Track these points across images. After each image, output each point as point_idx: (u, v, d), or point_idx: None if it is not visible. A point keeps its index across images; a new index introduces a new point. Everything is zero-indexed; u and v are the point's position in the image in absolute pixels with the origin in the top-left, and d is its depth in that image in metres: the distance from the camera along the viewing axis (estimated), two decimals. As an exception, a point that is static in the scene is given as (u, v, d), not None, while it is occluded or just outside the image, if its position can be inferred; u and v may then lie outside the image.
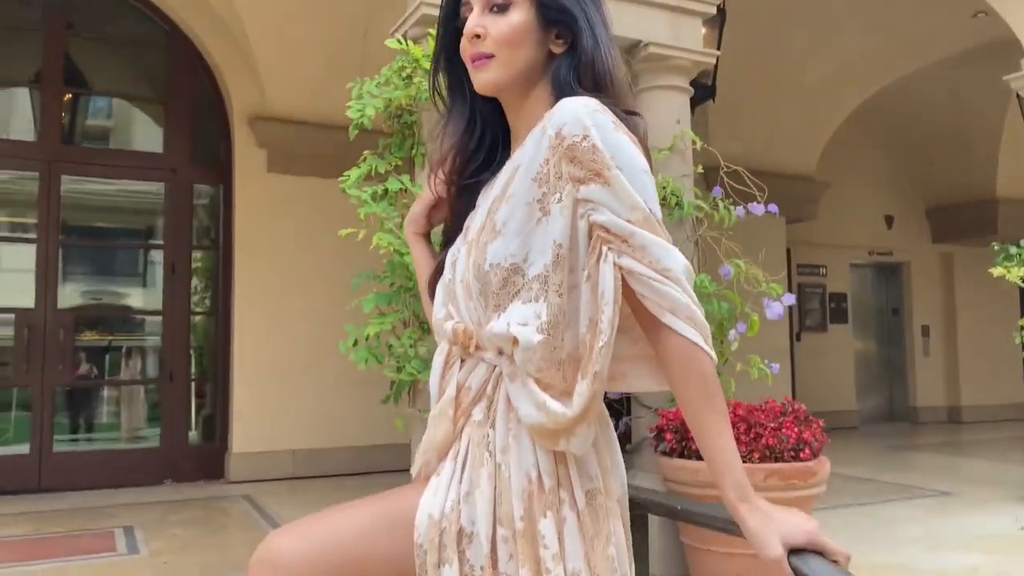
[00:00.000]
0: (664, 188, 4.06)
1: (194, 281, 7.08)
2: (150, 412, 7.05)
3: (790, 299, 4.08)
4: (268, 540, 1.21)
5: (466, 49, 1.28)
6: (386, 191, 3.51)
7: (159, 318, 6.92)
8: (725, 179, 4.25)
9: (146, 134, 7.23)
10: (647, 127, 1.28)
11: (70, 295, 6.89)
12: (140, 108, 7.30)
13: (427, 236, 1.49)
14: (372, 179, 3.61)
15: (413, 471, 1.29)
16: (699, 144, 4.28)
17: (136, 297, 7.46)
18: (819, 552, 1.09)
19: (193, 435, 7.04)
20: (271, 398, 6.66)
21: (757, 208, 4.09)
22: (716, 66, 6.91)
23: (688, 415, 1.18)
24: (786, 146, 9.24)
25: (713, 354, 1.18)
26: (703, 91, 6.84)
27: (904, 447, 9.17)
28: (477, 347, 1.23)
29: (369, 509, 1.25)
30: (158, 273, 6.99)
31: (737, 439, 3.47)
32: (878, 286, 11.98)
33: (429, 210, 1.47)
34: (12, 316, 6.44)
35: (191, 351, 7.02)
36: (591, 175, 1.15)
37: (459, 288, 1.27)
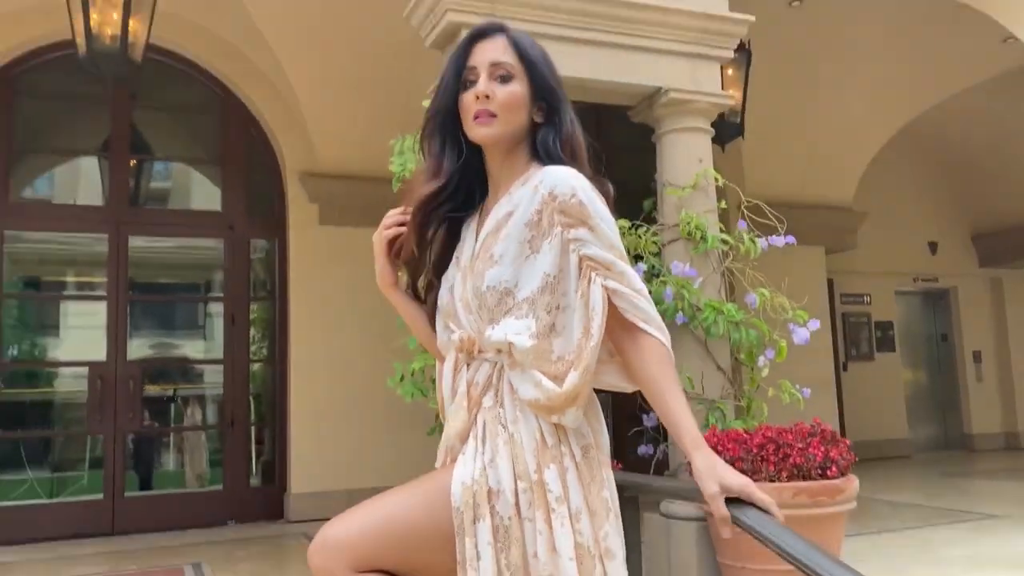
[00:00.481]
0: (688, 223, 4.29)
1: (252, 331, 7.47)
2: (213, 457, 7.40)
3: (815, 324, 4.24)
4: (322, 530, 1.48)
5: (471, 107, 1.57)
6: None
7: (220, 367, 7.30)
8: (746, 212, 4.44)
9: (205, 193, 7.71)
10: (611, 188, 1.62)
11: (138, 348, 7.31)
12: (199, 169, 7.79)
13: (397, 285, 1.74)
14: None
15: (438, 464, 1.56)
16: (721, 181, 4.50)
17: (198, 348, 7.87)
18: (751, 503, 1.36)
19: (254, 478, 7.36)
20: (327, 440, 6.95)
21: (778, 240, 4.28)
22: (744, 104, 7.16)
23: (658, 393, 1.50)
24: (822, 177, 9.35)
25: (669, 346, 1.54)
26: (732, 129, 7.08)
27: (957, 474, 9.07)
28: (479, 351, 1.53)
29: (408, 490, 1.52)
30: (218, 324, 7.40)
31: (766, 459, 3.65)
32: (926, 313, 11.90)
33: (389, 258, 1.69)
34: (86, 369, 6.88)
35: (250, 398, 7.37)
36: (579, 222, 1.50)
37: (459, 306, 1.57)
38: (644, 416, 4.47)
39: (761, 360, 4.27)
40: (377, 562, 1.43)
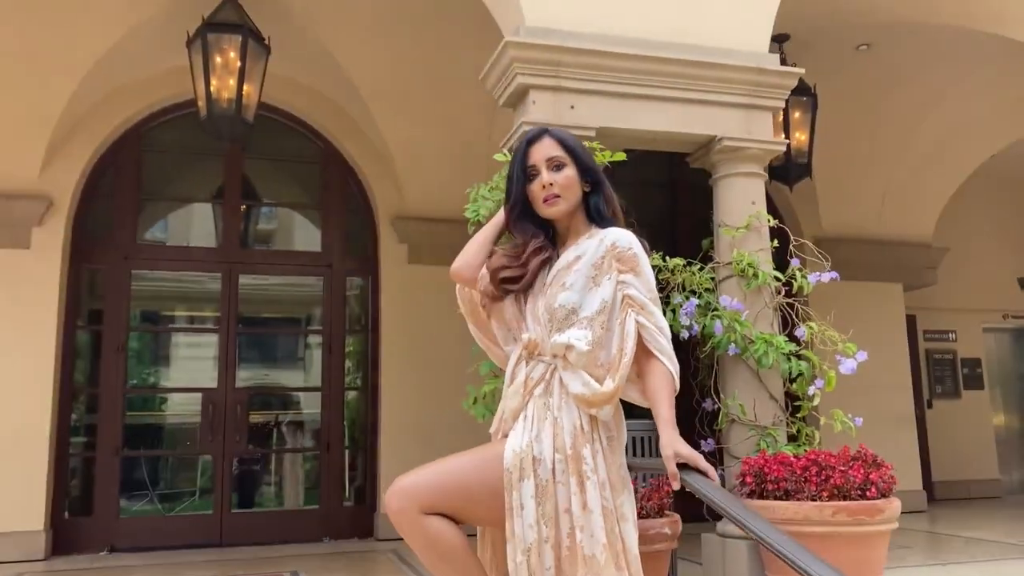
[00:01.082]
0: (740, 261, 4.62)
1: (347, 362, 8.10)
2: (309, 478, 8.02)
3: (862, 356, 4.48)
4: (397, 480, 1.97)
5: (539, 193, 2.11)
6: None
7: (317, 395, 7.94)
8: (814, 248, 4.73)
9: (306, 235, 8.44)
10: (646, 242, 2.17)
11: (245, 376, 8.04)
12: (302, 214, 8.54)
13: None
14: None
15: (492, 429, 2.06)
16: (773, 222, 4.81)
17: (298, 377, 8.55)
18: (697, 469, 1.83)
19: (347, 499, 7.93)
20: (413, 462, 7.42)
21: (826, 276, 4.56)
22: (811, 145, 7.42)
23: (656, 400, 1.99)
24: (899, 213, 9.41)
25: (675, 373, 1.98)
26: (799, 170, 7.36)
27: (1046, 515, 8.88)
28: (539, 353, 2.04)
29: (466, 455, 2.05)
30: (316, 355, 8.07)
31: (808, 480, 3.93)
32: (1017, 350, 11.65)
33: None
34: (200, 395, 7.63)
35: (344, 423, 7.98)
36: (629, 269, 2.03)
37: (532, 320, 2.09)
38: (702, 442, 4.81)
39: (811, 389, 4.53)
40: (438, 508, 1.91)
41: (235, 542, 7.26)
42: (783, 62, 5.53)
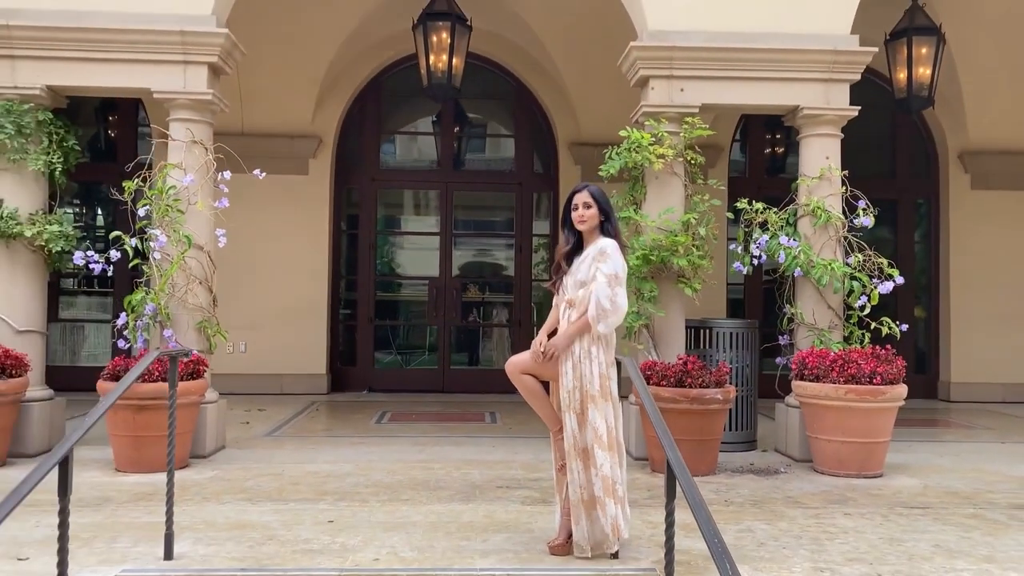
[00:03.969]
0: (808, 205, 6.12)
1: (535, 256, 10.28)
2: (506, 344, 10.45)
3: (900, 280, 5.93)
4: (509, 360, 3.94)
5: (576, 218, 3.88)
6: (621, 218, 6.12)
7: (511, 283, 10.24)
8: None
9: (502, 156, 10.55)
10: (627, 245, 3.93)
11: (459, 267, 10.47)
12: (499, 140, 10.62)
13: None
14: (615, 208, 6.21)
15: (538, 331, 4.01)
16: (841, 173, 6.19)
17: (499, 268, 10.88)
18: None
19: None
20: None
21: (867, 220, 5.96)
22: (934, 78, 8.29)
23: (574, 321, 3.72)
24: (1052, 124, 9.89)
25: (595, 324, 3.70)
26: (920, 101, 8.32)
27: None
28: (571, 305, 3.87)
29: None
30: (511, 252, 10.31)
31: (833, 369, 5.55)
32: None
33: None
34: (427, 282, 10.20)
35: (532, 304, 10.25)
36: (603, 259, 3.76)
37: (569, 287, 3.89)
38: (780, 337, 6.50)
39: (860, 302, 6.03)
40: (529, 372, 3.87)
41: (453, 390, 9.91)
42: None
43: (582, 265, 3.80)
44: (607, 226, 3.84)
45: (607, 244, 3.74)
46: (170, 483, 3.59)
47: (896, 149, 10.42)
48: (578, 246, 3.89)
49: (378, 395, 9.70)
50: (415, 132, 10.58)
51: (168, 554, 3.53)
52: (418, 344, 10.66)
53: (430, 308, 10.21)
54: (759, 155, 10.46)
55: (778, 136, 10.51)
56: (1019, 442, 7.24)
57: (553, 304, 4.01)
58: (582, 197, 3.84)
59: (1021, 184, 10.00)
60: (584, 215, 3.80)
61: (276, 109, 9.44)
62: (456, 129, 10.37)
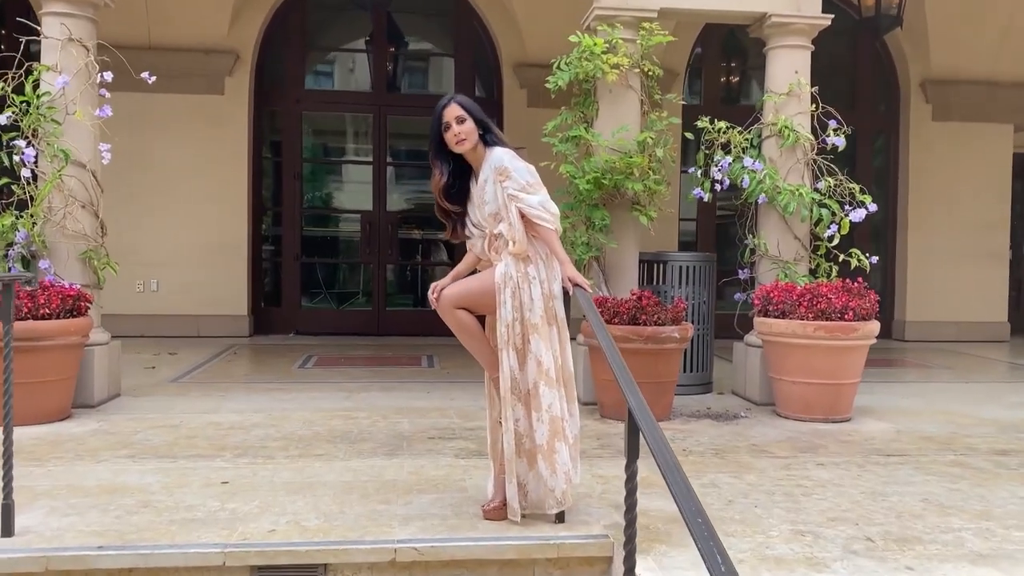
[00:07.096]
0: (775, 125, 5.53)
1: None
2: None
3: (873, 208, 5.41)
4: (443, 292, 3.28)
5: (451, 138, 3.14)
6: (570, 137, 5.44)
7: (452, 217, 9.50)
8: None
9: (441, 79, 9.71)
10: (525, 150, 3.22)
11: (395, 201, 9.68)
12: (437, 60, 9.77)
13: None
14: (563, 127, 5.54)
15: (478, 267, 3.35)
16: (812, 89, 5.61)
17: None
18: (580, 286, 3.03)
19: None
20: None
21: (838, 140, 5.41)
22: (903, -2, 7.72)
23: (552, 247, 3.09)
24: (1018, 55, 9.45)
25: (556, 226, 3.10)
26: (889, 20, 7.75)
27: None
28: (495, 236, 3.19)
29: (476, 278, 3.23)
30: (452, 184, 9.55)
31: (801, 304, 5.03)
32: None
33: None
34: (359, 216, 9.39)
35: (474, 242, 9.55)
36: (506, 177, 3.07)
37: (480, 220, 3.20)
38: (740, 270, 5.96)
39: (828, 232, 5.51)
40: (462, 305, 3.22)
41: (388, 333, 9.20)
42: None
43: (484, 193, 3.14)
44: (489, 137, 3.15)
45: (499, 156, 3.09)
46: (8, 440, 2.87)
47: (856, 78, 9.88)
48: (458, 173, 3.22)
49: (306, 338, 8.96)
50: (345, 49, 9.64)
51: (7, 530, 2.83)
52: (351, 284, 9.92)
53: (363, 245, 9.44)
54: (715, 84, 9.82)
55: (734, 64, 9.91)
56: (981, 382, 6.92)
57: (468, 248, 3.36)
58: (452, 111, 3.11)
59: (983, 115, 9.60)
60: (460, 131, 3.09)
61: (187, 20, 8.44)
62: (391, 49, 9.47)
